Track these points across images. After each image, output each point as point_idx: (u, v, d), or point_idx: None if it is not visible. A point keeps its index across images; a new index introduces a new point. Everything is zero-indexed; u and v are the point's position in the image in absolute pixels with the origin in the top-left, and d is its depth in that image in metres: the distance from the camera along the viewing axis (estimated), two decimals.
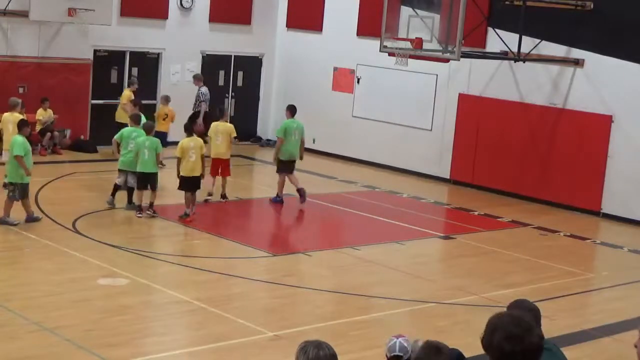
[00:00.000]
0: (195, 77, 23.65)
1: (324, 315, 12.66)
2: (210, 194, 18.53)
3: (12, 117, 18.93)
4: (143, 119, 18.45)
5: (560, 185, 20.85)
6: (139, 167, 17.08)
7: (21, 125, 16.35)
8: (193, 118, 22.04)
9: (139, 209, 17.19)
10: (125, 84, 24.18)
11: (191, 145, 17.00)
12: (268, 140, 27.05)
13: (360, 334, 11.76)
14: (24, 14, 21.85)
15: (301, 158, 19.56)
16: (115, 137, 17.82)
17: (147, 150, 17.02)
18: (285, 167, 19.27)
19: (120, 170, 17.51)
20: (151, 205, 17.14)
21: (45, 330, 10.98)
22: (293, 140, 19.24)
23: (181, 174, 17.07)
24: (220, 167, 18.65)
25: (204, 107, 22.84)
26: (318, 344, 5.19)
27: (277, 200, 19.25)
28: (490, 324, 4.31)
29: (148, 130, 17.45)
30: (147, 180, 17.16)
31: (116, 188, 17.49)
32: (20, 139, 15.85)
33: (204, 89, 23.13)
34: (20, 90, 22.64)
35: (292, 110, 19.54)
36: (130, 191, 17.48)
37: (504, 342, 4.19)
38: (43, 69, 23.00)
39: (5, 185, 16.25)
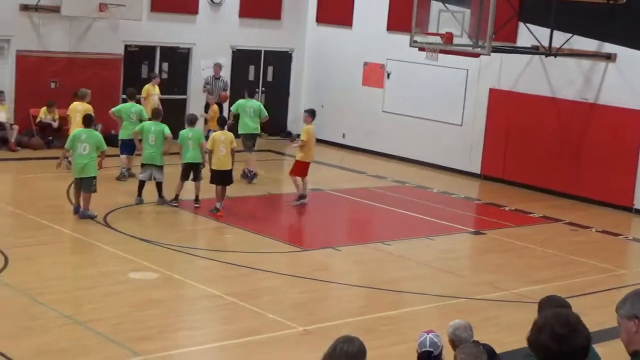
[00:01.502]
0: (217, 65, 23.96)
1: (354, 310, 12.67)
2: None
3: (82, 107, 19.12)
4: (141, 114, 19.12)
5: (592, 180, 20.71)
6: (184, 158, 17.29)
7: (89, 121, 16.62)
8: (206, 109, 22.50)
9: (176, 198, 17.36)
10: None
11: (222, 138, 17.10)
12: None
13: (390, 329, 11.76)
14: (55, 10, 21.99)
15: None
16: (137, 128, 18.07)
17: (191, 142, 17.17)
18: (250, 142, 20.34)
19: (143, 166, 17.60)
20: (197, 198, 17.35)
21: (77, 323, 11.06)
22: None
23: (212, 167, 17.16)
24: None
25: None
26: (349, 339, 5.24)
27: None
28: (536, 323, 4.27)
29: (190, 122, 17.61)
30: (192, 171, 17.34)
31: (142, 185, 17.58)
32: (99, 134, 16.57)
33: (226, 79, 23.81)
34: (52, 85, 22.80)
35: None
36: (159, 186, 17.59)
37: (550, 342, 4.15)
38: (74, 64, 23.14)
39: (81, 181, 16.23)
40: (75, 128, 17.66)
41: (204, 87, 23.72)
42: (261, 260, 14.54)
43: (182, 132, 17.54)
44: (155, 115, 18.23)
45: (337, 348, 5.23)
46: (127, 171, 19.43)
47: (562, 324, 4.17)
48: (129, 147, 19.13)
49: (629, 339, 4.55)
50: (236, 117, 20.45)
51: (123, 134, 19.37)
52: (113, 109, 19.79)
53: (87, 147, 16.04)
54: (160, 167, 17.44)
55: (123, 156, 19.39)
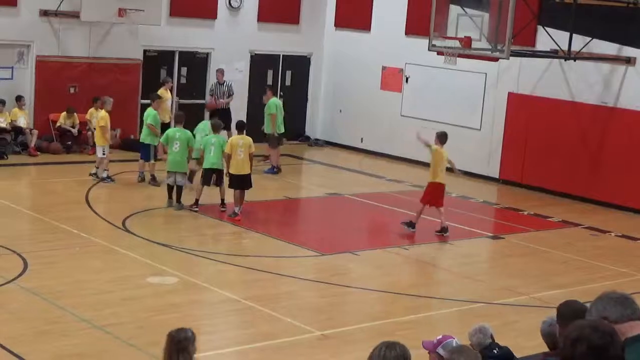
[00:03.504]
0: (219, 70, 24.08)
1: (372, 314, 12.65)
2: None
3: (99, 114, 19.78)
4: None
5: (611, 184, 20.60)
6: (206, 163, 17.34)
7: (180, 120, 17.94)
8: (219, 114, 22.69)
9: (196, 203, 17.39)
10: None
11: (240, 143, 17.12)
12: (317, 139, 27.07)
13: (408, 333, 11.70)
14: (75, 15, 22.07)
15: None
16: (161, 139, 18.16)
17: (213, 147, 17.23)
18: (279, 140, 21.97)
19: (169, 172, 17.67)
20: (222, 202, 17.46)
21: (96, 327, 11.09)
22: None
23: (230, 171, 17.19)
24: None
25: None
26: (391, 344, 5.25)
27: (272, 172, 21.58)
28: (570, 335, 4.18)
29: (215, 128, 17.77)
30: (214, 177, 17.36)
31: (170, 189, 17.64)
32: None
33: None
34: (72, 90, 22.89)
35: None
36: (179, 190, 17.62)
37: (587, 354, 4.07)
38: (94, 69, 23.22)
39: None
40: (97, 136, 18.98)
41: (210, 93, 23.88)
42: (279, 265, 14.55)
43: (205, 138, 17.72)
44: (178, 120, 18.27)
45: (378, 352, 5.26)
46: (151, 175, 19.49)
47: (599, 335, 4.09)
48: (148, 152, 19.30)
49: None
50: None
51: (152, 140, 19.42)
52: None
53: (178, 145, 17.41)
54: (184, 173, 17.66)
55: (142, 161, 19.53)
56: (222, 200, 17.54)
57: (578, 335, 4.11)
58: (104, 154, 19.38)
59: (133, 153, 22.45)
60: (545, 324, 7.18)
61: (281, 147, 22.44)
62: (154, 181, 19.32)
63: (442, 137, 17.36)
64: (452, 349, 6.33)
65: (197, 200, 17.46)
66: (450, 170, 17.69)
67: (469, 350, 6.17)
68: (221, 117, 21.03)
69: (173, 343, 7.46)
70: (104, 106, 19.78)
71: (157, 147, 18.69)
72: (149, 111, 19.52)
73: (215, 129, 17.73)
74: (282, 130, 22.27)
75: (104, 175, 19.43)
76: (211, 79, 25.04)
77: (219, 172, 17.39)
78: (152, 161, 19.35)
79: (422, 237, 17.06)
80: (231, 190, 17.31)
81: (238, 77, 25.17)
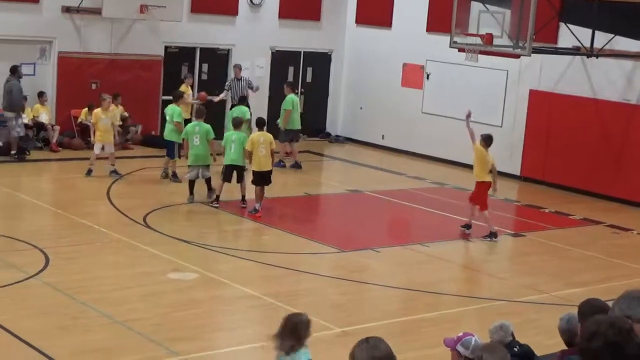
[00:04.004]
0: (237, 66, 23.91)
1: (392, 311, 12.63)
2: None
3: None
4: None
5: (633, 182, 20.49)
6: (227, 160, 17.47)
7: (201, 114, 18.21)
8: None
9: (217, 199, 17.50)
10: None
11: (261, 140, 17.18)
12: (337, 136, 27.06)
13: (429, 331, 11.70)
14: (97, 11, 22.14)
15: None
16: (182, 135, 18.31)
17: (234, 145, 17.33)
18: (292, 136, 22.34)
19: (191, 166, 17.79)
20: (243, 198, 17.55)
21: (117, 323, 11.13)
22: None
23: (253, 168, 17.25)
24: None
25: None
26: (373, 344, 5.18)
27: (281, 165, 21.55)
28: (588, 329, 4.16)
29: (236, 125, 17.84)
30: (235, 173, 17.50)
31: (192, 185, 17.75)
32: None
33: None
34: (93, 86, 22.97)
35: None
36: (208, 182, 17.89)
37: (603, 350, 4.05)
38: (115, 65, 23.30)
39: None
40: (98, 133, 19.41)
41: (226, 88, 23.80)
42: (300, 261, 14.55)
43: (226, 134, 17.87)
44: (198, 114, 18.43)
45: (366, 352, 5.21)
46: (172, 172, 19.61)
47: (616, 331, 4.07)
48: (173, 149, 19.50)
49: None
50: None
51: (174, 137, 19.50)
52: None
53: (198, 138, 17.67)
54: (207, 166, 17.87)
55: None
56: (243, 196, 17.59)
57: (595, 330, 4.10)
58: (100, 151, 19.51)
59: (153, 149, 22.58)
60: (562, 320, 7.14)
61: (297, 144, 22.53)
62: (175, 178, 19.37)
63: (487, 140, 17.16)
64: (482, 347, 6.27)
65: (217, 197, 17.51)
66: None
67: (500, 347, 6.13)
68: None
69: (288, 325, 7.67)
70: (103, 103, 19.76)
71: (182, 144, 18.68)
72: (173, 108, 19.54)
73: (236, 126, 17.80)
74: (298, 127, 22.46)
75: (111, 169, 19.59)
76: (232, 75, 25.05)
77: (239, 169, 17.46)
78: (176, 158, 19.40)
79: (443, 235, 17.03)
80: (252, 187, 17.35)
81: (258, 73, 25.21)
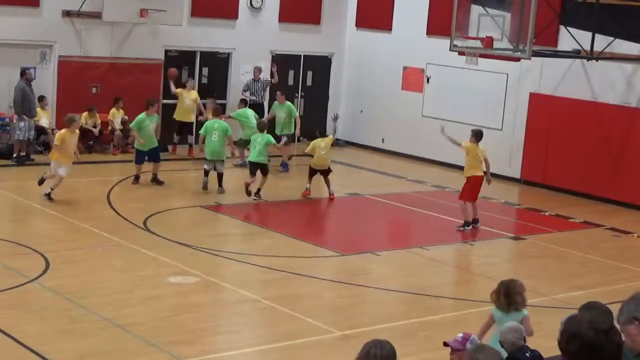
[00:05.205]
0: (257, 68, 24.66)
1: (393, 315, 12.63)
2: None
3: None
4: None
5: (633, 185, 20.48)
6: (251, 157, 18.96)
7: (218, 112, 20.14)
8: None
9: (258, 192, 18.64)
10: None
11: (322, 145, 19.24)
12: (337, 139, 27.03)
13: (429, 334, 11.70)
14: (97, 15, 22.15)
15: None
16: (200, 131, 19.69)
17: (258, 145, 18.76)
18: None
19: (208, 160, 19.07)
20: (259, 190, 18.67)
21: (117, 326, 11.13)
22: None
23: (312, 166, 19.26)
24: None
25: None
26: (380, 343, 5.28)
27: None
28: (568, 330, 4.16)
29: (262, 128, 19.25)
30: (258, 169, 18.81)
31: (206, 173, 19.03)
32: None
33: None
34: (94, 90, 22.98)
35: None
36: (220, 177, 19.02)
37: (582, 351, 4.05)
38: (115, 69, 23.31)
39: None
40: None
41: (244, 89, 24.24)
42: (300, 265, 14.55)
43: (253, 136, 19.27)
44: (215, 113, 20.22)
45: (371, 352, 5.26)
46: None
47: (595, 332, 4.08)
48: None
49: (632, 341, 4.46)
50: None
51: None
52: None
53: (217, 135, 19.04)
54: (222, 161, 19.24)
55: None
56: (259, 189, 18.64)
57: (574, 331, 4.11)
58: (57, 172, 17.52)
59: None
60: (563, 323, 7.15)
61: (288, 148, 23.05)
62: (155, 181, 19.60)
63: (477, 135, 17.64)
64: (472, 349, 6.30)
65: (251, 191, 18.60)
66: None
67: (490, 349, 6.14)
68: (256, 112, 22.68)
69: (503, 289, 9.60)
70: (72, 125, 17.69)
71: (199, 138, 19.97)
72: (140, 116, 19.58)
73: (261, 129, 19.15)
74: (291, 132, 23.29)
75: (46, 191, 17.51)
76: (232, 79, 25.16)
77: (263, 166, 18.75)
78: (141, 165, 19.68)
79: (443, 238, 17.03)
80: (268, 184, 18.89)
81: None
